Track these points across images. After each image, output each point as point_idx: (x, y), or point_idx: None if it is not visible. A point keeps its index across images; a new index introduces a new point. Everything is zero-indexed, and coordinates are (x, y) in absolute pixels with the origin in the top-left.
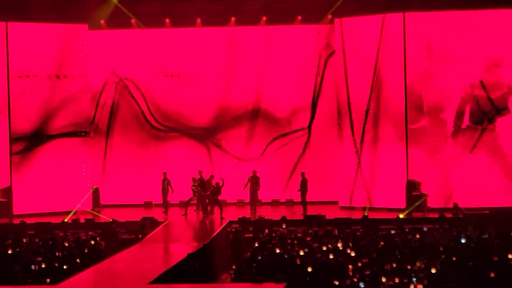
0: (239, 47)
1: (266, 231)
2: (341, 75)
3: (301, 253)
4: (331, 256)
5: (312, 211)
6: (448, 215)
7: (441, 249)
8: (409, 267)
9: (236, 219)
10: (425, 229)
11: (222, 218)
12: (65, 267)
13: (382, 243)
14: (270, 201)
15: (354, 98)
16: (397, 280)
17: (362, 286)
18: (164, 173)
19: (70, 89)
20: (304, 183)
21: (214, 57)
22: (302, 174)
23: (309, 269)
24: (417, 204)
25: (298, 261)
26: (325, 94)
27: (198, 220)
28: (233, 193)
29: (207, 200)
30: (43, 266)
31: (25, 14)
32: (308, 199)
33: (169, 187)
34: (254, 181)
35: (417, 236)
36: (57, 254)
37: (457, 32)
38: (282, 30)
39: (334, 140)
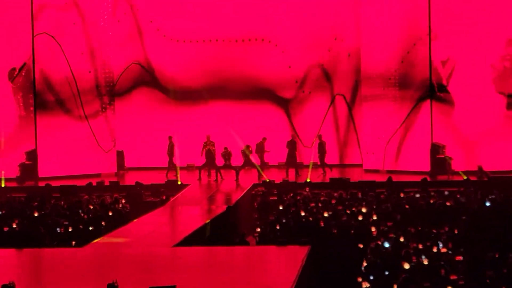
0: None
1: (291, 194)
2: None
3: (326, 215)
4: (357, 219)
5: (336, 174)
6: (473, 178)
7: (466, 212)
8: (434, 230)
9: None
10: (446, 192)
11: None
12: (90, 229)
13: (406, 206)
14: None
15: (380, 62)
16: (420, 245)
17: (387, 245)
18: (170, 137)
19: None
20: (321, 146)
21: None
22: (319, 136)
23: (334, 231)
24: None
25: (322, 224)
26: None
27: (222, 183)
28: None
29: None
30: (68, 229)
31: None
32: (331, 162)
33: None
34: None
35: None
36: (82, 217)
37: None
38: None
39: (357, 103)
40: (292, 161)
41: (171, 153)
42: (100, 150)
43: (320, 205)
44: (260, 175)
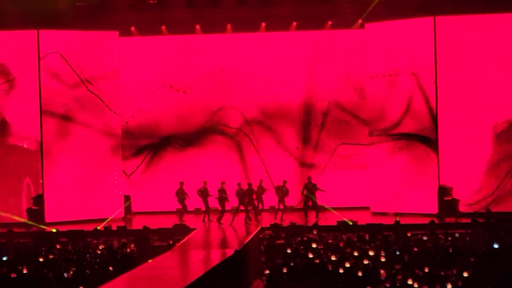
0: (271, 52)
1: (299, 238)
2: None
3: (333, 258)
4: (363, 262)
5: (343, 216)
6: (481, 220)
7: (474, 253)
8: (442, 272)
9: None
10: (457, 234)
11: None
12: (97, 274)
13: (415, 249)
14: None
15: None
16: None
17: None
18: (181, 183)
19: (100, 95)
20: (312, 188)
21: (243, 61)
22: (309, 178)
23: (341, 271)
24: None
25: (330, 267)
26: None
27: (229, 226)
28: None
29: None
30: (75, 273)
31: (56, 22)
32: (339, 204)
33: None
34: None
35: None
36: (89, 261)
37: (489, 36)
38: (313, 35)
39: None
40: (313, 204)
41: (183, 197)
42: (107, 194)
43: (327, 248)
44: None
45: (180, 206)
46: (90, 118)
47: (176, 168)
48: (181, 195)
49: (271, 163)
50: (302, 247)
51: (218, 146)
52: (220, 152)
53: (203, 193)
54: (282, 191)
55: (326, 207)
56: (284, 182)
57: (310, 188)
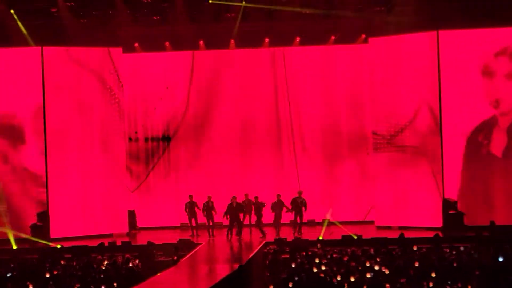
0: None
1: (303, 253)
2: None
3: (338, 274)
4: (368, 276)
5: (348, 231)
6: (485, 233)
7: (479, 267)
8: (447, 286)
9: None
10: (461, 248)
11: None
12: None
13: (419, 263)
14: (306, 221)
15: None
16: None
17: None
18: (190, 196)
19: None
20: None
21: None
22: (299, 193)
23: (346, 285)
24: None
25: (335, 281)
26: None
27: (233, 241)
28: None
29: None
30: None
31: (60, 38)
32: (344, 219)
33: (196, 208)
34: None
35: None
36: (94, 277)
37: (493, 50)
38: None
39: (366, 159)
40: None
41: (194, 212)
42: (111, 210)
43: (332, 262)
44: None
45: (188, 220)
46: (94, 133)
47: (181, 183)
48: (192, 208)
49: (278, 178)
50: (306, 262)
51: (224, 159)
52: (226, 165)
53: (208, 208)
54: (296, 203)
55: (331, 221)
56: (300, 193)
57: (298, 203)
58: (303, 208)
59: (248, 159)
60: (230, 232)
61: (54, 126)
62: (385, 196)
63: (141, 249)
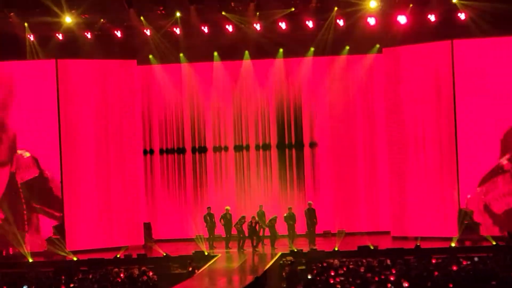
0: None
1: (319, 264)
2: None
3: (354, 285)
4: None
5: (364, 241)
6: (502, 243)
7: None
8: None
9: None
10: (476, 258)
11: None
12: None
13: (436, 273)
14: (322, 232)
15: (408, 127)
16: None
17: None
18: (209, 208)
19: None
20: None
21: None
22: (310, 204)
23: None
24: None
25: None
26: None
27: (249, 253)
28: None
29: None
30: None
31: (74, 51)
32: (360, 229)
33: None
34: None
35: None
36: None
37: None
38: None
39: (381, 169)
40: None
41: (212, 224)
42: (127, 222)
43: (348, 273)
44: None
45: (206, 232)
46: (110, 146)
47: (196, 195)
48: (210, 219)
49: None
50: (323, 273)
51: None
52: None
53: (226, 220)
54: (309, 214)
55: (346, 232)
56: (309, 204)
57: (309, 214)
58: (314, 220)
59: (263, 171)
60: (242, 242)
61: (69, 139)
62: (401, 206)
63: (156, 262)
